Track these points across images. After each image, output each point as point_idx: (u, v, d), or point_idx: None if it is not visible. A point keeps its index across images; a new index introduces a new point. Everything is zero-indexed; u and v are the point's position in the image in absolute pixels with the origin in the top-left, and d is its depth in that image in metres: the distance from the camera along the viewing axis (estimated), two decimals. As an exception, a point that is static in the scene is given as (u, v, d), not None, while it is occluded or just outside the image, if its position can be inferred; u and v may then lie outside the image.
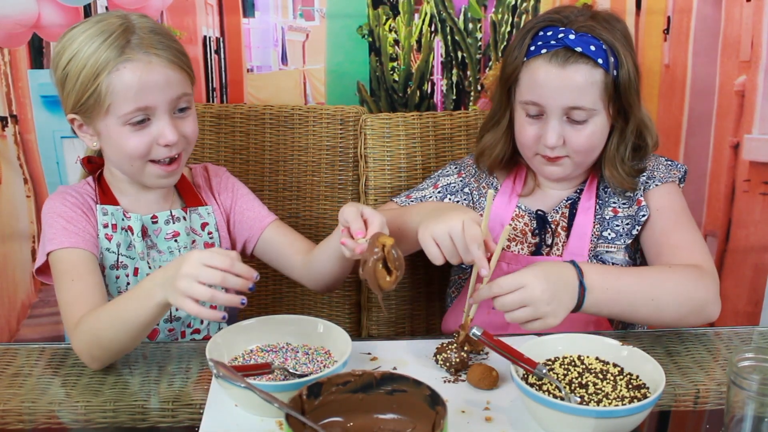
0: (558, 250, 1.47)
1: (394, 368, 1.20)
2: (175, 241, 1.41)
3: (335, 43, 1.84)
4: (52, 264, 1.32)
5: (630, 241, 1.43)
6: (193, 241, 1.43)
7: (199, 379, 1.20)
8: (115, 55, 1.26)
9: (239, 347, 1.20)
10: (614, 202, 1.46)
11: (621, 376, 1.10)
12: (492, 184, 1.55)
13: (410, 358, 1.24)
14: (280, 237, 1.48)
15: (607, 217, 1.46)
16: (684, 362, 1.24)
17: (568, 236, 1.46)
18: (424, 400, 0.94)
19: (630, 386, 1.08)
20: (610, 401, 1.05)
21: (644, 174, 1.46)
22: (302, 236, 1.51)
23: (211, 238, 1.45)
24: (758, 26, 1.83)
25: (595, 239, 1.44)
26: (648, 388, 1.07)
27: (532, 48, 1.40)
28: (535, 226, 1.49)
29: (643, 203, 1.43)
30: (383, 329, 1.72)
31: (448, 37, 1.84)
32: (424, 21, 1.83)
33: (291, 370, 1.14)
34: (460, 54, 1.86)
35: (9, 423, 1.11)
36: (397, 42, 1.84)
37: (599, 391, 1.07)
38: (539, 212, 1.49)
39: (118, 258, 1.38)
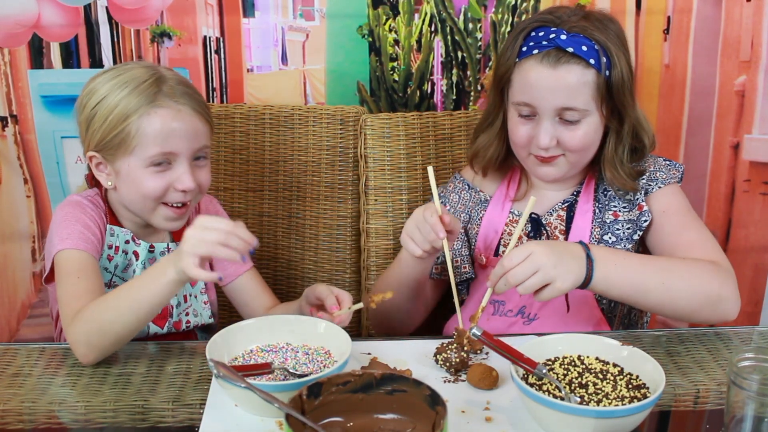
0: None
1: (394, 368, 1.20)
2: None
3: (335, 43, 1.84)
4: (60, 263, 1.33)
5: (630, 246, 1.42)
6: None
7: (199, 379, 1.20)
8: (146, 101, 1.33)
9: (239, 347, 1.20)
10: (614, 206, 1.46)
11: (621, 376, 1.10)
12: (481, 198, 1.54)
13: (410, 358, 1.24)
14: (250, 287, 1.53)
15: (608, 221, 1.45)
16: (684, 362, 1.24)
17: (566, 239, 1.45)
18: (424, 400, 0.94)
19: (630, 386, 1.08)
20: (610, 401, 1.05)
21: (644, 177, 1.45)
22: (270, 291, 1.55)
23: None
24: (758, 26, 1.83)
25: (596, 242, 1.43)
26: (648, 388, 1.07)
27: (524, 49, 1.40)
28: (529, 229, 1.48)
29: (645, 208, 1.42)
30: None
31: (448, 37, 1.84)
32: (424, 21, 1.83)
33: (291, 370, 1.14)
34: (460, 54, 1.86)
35: (9, 423, 1.11)
36: (397, 42, 1.84)
37: (599, 391, 1.07)
38: (533, 215, 1.48)
39: (111, 278, 1.42)
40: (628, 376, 1.10)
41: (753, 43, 1.84)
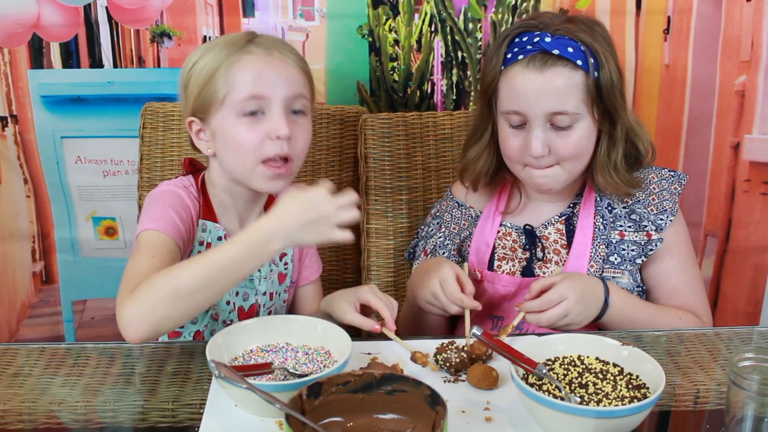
0: (552, 265, 1.44)
1: (395, 365, 1.20)
2: (259, 270, 1.41)
3: (335, 43, 1.84)
4: (141, 240, 1.26)
5: (632, 268, 1.41)
6: (271, 271, 1.44)
7: (199, 379, 1.20)
8: (236, 50, 1.29)
9: (239, 347, 1.20)
10: (620, 225, 1.43)
11: (621, 376, 1.10)
12: (472, 215, 1.53)
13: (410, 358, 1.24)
14: (310, 297, 1.53)
15: (614, 241, 1.42)
16: (684, 362, 1.24)
17: (567, 254, 1.43)
18: (424, 400, 0.94)
19: (630, 386, 1.08)
20: (610, 401, 1.05)
21: (653, 204, 1.43)
22: None
23: (285, 268, 1.47)
24: (758, 26, 1.83)
25: (601, 261, 1.41)
26: (648, 388, 1.07)
27: (509, 55, 1.37)
28: (524, 241, 1.46)
29: (654, 237, 1.40)
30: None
31: (448, 37, 1.85)
32: (424, 21, 1.83)
33: (291, 370, 1.14)
34: (460, 54, 1.86)
35: (9, 423, 1.11)
36: (397, 42, 1.84)
37: (599, 391, 1.07)
38: (527, 227, 1.46)
39: None
40: (628, 376, 1.10)
41: (753, 43, 1.84)
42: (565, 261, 1.43)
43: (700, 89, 1.88)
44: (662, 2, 1.83)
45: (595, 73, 1.35)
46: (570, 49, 1.33)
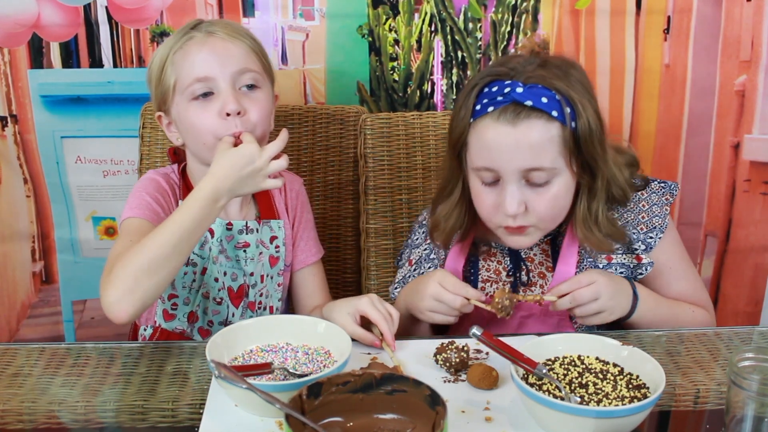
0: (536, 288, 1.40)
1: (395, 367, 1.20)
2: (244, 251, 1.44)
3: (335, 43, 1.84)
4: (123, 228, 1.35)
5: None
6: (260, 253, 1.46)
7: (199, 379, 1.20)
8: (178, 38, 1.36)
9: (239, 347, 1.20)
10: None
11: (621, 376, 1.10)
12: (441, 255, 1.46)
13: (410, 358, 1.24)
14: (309, 281, 1.54)
15: (601, 265, 1.38)
16: (684, 362, 1.24)
17: (552, 276, 1.39)
18: (424, 400, 0.94)
19: (630, 386, 1.08)
20: (610, 401, 1.05)
21: (643, 222, 1.39)
22: (326, 289, 1.56)
23: (277, 251, 1.48)
24: (758, 26, 1.83)
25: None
26: (648, 388, 1.07)
27: (478, 107, 1.27)
28: (508, 263, 1.42)
29: (645, 260, 1.37)
30: (383, 329, 1.72)
31: (448, 36, 1.84)
32: (424, 21, 1.83)
33: (291, 370, 1.14)
34: (460, 54, 1.86)
35: (9, 423, 1.11)
36: (397, 42, 1.84)
37: (599, 391, 1.07)
38: (511, 249, 1.40)
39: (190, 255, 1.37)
40: (628, 376, 1.10)
41: (753, 42, 1.84)
42: (548, 286, 1.38)
43: (700, 89, 1.88)
44: (662, 2, 1.83)
45: (572, 123, 1.25)
46: (544, 99, 1.23)
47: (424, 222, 1.53)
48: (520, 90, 1.24)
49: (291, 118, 1.74)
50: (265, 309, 1.49)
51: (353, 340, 1.17)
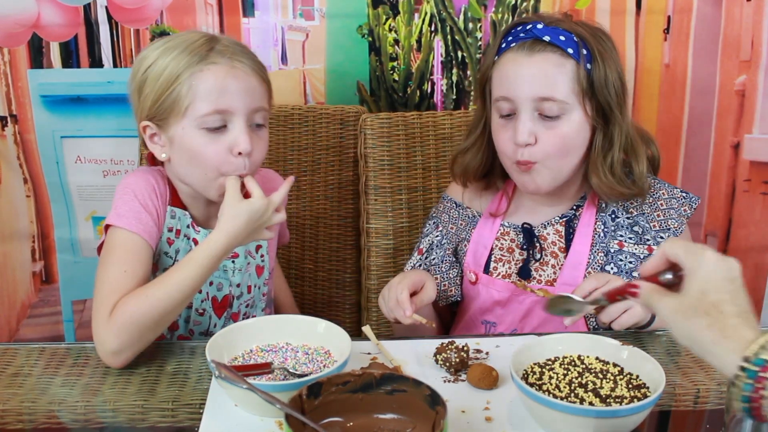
0: (548, 268, 1.42)
1: (397, 367, 1.20)
2: (233, 262, 1.41)
3: (335, 42, 1.84)
4: (111, 238, 1.29)
5: (628, 279, 1.36)
6: (248, 263, 1.44)
7: (199, 379, 1.20)
8: (198, 59, 1.26)
9: (239, 347, 1.20)
10: (621, 235, 1.40)
11: (621, 376, 1.10)
12: (469, 215, 1.50)
13: (410, 358, 1.24)
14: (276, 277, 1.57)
15: (612, 251, 1.39)
16: (684, 362, 1.24)
17: (565, 257, 1.41)
18: (424, 400, 0.94)
19: (630, 386, 1.08)
20: (610, 401, 1.05)
21: (657, 220, 1.40)
22: (290, 295, 1.63)
23: (262, 260, 1.46)
24: (758, 26, 1.83)
25: (598, 269, 1.38)
26: (648, 388, 1.07)
27: (503, 45, 1.37)
28: (522, 240, 1.44)
29: (655, 251, 1.38)
30: (383, 329, 1.72)
31: (448, 36, 1.84)
32: (424, 21, 1.83)
33: (291, 370, 1.14)
34: (460, 54, 1.86)
35: (9, 423, 1.11)
36: (397, 42, 1.84)
37: (599, 391, 1.07)
38: (525, 225, 1.44)
39: (173, 264, 1.35)
40: (628, 376, 1.10)
41: (753, 42, 1.84)
42: (561, 266, 1.41)
43: (700, 89, 1.88)
44: (662, 2, 1.83)
45: (587, 65, 1.32)
46: (562, 38, 1.32)
47: (434, 214, 1.57)
48: (540, 26, 1.34)
49: (291, 118, 1.74)
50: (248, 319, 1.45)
51: (353, 340, 1.17)
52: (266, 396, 0.96)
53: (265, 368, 1.13)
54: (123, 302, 1.20)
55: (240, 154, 1.27)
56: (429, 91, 1.88)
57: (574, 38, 1.33)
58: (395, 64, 1.86)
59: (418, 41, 1.85)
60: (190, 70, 1.25)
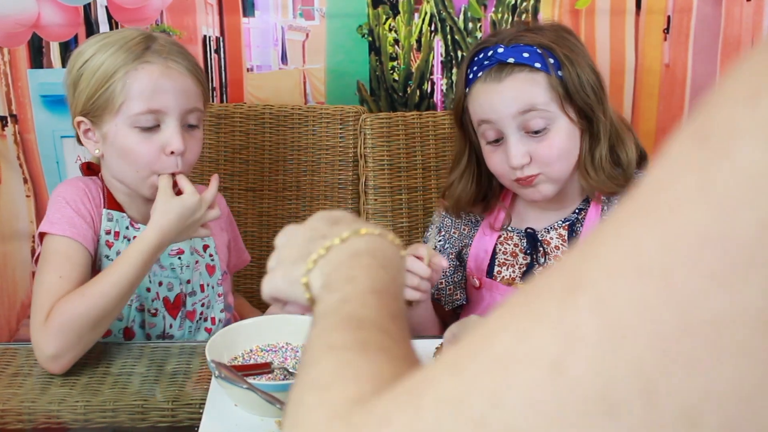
0: None
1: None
2: (179, 258, 1.40)
3: (335, 42, 1.84)
4: (45, 246, 1.29)
5: None
6: (196, 261, 1.43)
7: (199, 379, 1.20)
8: (134, 57, 1.26)
9: (239, 347, 1.20)
10: None
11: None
12: (472, 219, 1.50)
13: (410, 357, 1.24)
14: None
15: None
16: (684, 362, 1.24)
17: None
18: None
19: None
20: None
21: None
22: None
23: (212, 260, 1.45)
24: (758, 26, 1.83)
25: None
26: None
27: (470, 75, 1.35)
28: (525, 245, 1.43)
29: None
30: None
31: (448, 36, 1.84)
32: (424, 20, 1.83)
33: (291, 370, 1.14)
34: (460, 53, 1.86)
35: (9, 423, 1.11)
36: (397, 41, 1.84)
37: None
38: (528, 230, 1.43)
39: None
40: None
41: (753, 42, 1.84)
42: None
43: (700, 89, 1.88)
44: (662, 2, 1.82)
45: (558, 72, 1.31)
46: (525, 54, 1.30)
47: (436, 218, 1.55)
48: (501, 50, 1.32)
49: (291, 118, 1.74)
50: (206, 320, 1.44)
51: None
52: (266, 396, 0.96)
53: (265, 368, 1.13)
54: (58, 305, 1.19)
55: (172, 153, 1.28)
56: (429, 91, 1.88)
57: (537, 51, 1.30)
58: (395, 63, 1.86)
59: (418, 41, 1.84)
60: (125, 68, 1.25)
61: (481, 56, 1.34)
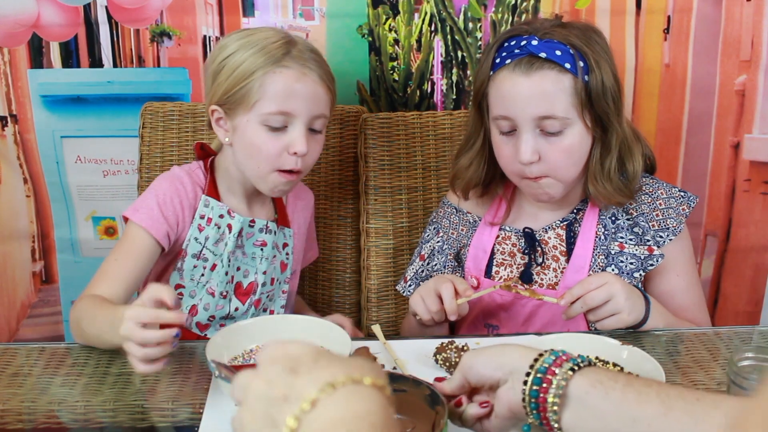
0: (550, 272, 1.42)
1: (394, 368, 1.20)
2: (261, 249, 1.47)
3: (335, 42, 1.84)
4: (126, 233, 1.39)
5: (630, 282, 1.36)
6: (274, 256, 1.49)
7: (199, 379, 1.20)
8: (273, 61, 1.34)
9: (239, 347, 1.20)
10: (622, 237, 1.40)
11: (621, 376, 1.10)
12: (470, 220, 1.51)
13: (410, 357, 1.24)
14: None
15: (613, 252, 1.39)
16: (684, 362, 1.24)
17: (567, 261, 1.41)
18: (424, 400, 0.94)
19: (630, 386, 1.07)
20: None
21: (656, 219, 1.41)
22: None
23: (287, 258, 1.52)
24: (758, 26, 1.83)
25: (600, 271, 1.38)
26: (648, 388, 1.07)
27: (497, 60, 1.34)
28: (523, 245, 1.44)
29: (656, 252, 1.38)
30: (383, 329, 1.71)
31: (448, 36, 1.84)
32: (424, 20, 1.83)
33: (291, 370, 1.14)
34: (460, 53, 1.86)
35: (9, 423, 1.11)
36: (397, 41, 1.84)
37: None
38: (527, 230, 1.44)
39: (202, 250, 1.43)
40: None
41: (753, 42, 1.84)
42: (563, 269, 1.41)
43: (700, 89, 1.88)
44: (662, 2, 1.82)
45: (585, 77, 1.31)
46: (558, 52, 1.30)
47: (434, 219, 1.57)
48: (535, 43, 1.31)
49: (291, 118, 1.74)
50: (266, 311, 1.51)
51: (352, 339, 1.17)
52: (266, 396, 0.96)
53: (265, 368, 1.13)
54: (78, 300, 1.30)
55: (295, 153, 1.35)
56: (429, 91, 1.88)
57: (570, 51, 1.30)
58: (395, 64, 1.86)
59: (418, 41, 1.84)
60: (263, 70, 1.33)
61: (512, 43, 1.33)
